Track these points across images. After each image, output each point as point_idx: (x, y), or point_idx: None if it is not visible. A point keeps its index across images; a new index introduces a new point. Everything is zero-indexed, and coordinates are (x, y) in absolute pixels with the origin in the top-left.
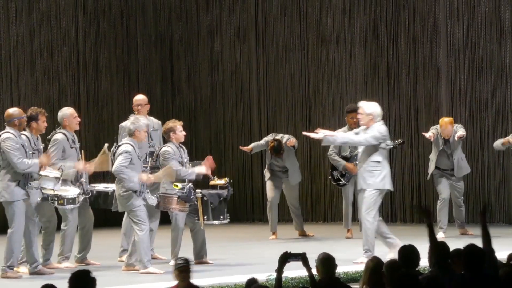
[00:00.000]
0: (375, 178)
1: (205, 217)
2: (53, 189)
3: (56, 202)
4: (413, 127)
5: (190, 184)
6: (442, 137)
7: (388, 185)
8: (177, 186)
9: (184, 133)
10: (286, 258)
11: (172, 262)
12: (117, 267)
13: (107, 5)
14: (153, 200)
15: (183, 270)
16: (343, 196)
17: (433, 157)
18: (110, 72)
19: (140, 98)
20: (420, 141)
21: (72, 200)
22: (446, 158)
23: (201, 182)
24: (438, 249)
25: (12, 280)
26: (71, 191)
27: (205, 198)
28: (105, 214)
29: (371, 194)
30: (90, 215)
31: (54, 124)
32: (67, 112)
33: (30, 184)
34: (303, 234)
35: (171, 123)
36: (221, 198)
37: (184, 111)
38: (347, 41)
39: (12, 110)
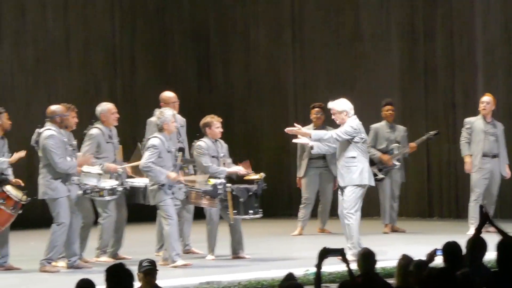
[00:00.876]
0: (352, 174)
1: (235, 211)
2: (95, 185)
3: (96, 194)
4: (450, 122)
5: (222, 180)
6: (483, 119)
7: (366, 180)
8: (210, 181)
9: (220, 129)
10: (325, 253)
11: (210, 257)
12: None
13: (143, 0)
14: (181, 195)
15: (148, 273)
16: (380, 191)
17: (473, 150)
18: (146, 67)
19: (172, 94)
20: (457, 136)
21: (112, 191)
22: (488, 141)
23: (237, 176)
24: (472, 245)
25: (50, 274)
26: (110, 182)
27: (234, 193)
28: (142, 209)
29: (350, 191)
30: (124, 211)
31: (89, 119)
32: (105, 107)
33: (72, 181)
34: (324, 231)
35: (208, 118)
36: (250, 193)
37: (220, 106)
38: (383, 36)
39: (55, 107)
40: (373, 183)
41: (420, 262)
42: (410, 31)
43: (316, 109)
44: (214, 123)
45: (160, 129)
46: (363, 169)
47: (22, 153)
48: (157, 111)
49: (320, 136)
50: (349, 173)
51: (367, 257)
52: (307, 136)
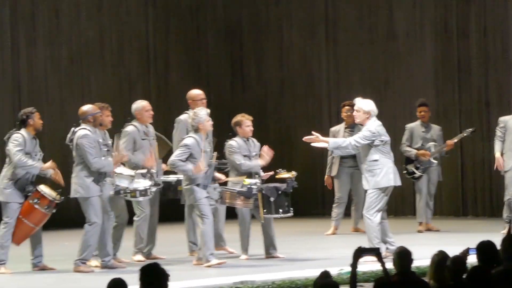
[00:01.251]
0: (375, 177)
1: (265, 210)
2: (127, 187)
3: (128, 195)
4: (484, 121)
5: (257, 180)
6: None
7: (392, 181)
8: (246, 182)
9: (251, 128)
10: (360, 253)
11: (243, 256)
12: (187, 261)
13: None
14: (215, 195)
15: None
16: (416, 189)
17: (507, 149)
18: (179, 66)
19: (200, 92)
20: (491, 135)
21: (144, 192)
22: None
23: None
24: (510, 242)
25: (84, 274)
26: (143, 183)
27: (263, 192)
28: (174, 208)
29: (372, 192)
30: (156, 210)
31: (123, 118)
32: (139, 105)
33: (104, 181)
34: (357, 230)
35: (239, 117)
36: (280, 192)
37: (253, 105)
38: (417, 35)
39: (86, 107)
40: (399, 183)
41: (457, 257)
42: (443, 29)
43: (347, 107)
44: (245, 121)
45: (196, 130)
46: (387, 171)
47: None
48: (190, 112)
49: (338, 144)
50: (374, 176)
51: (403, 256)
52: (326, 143)
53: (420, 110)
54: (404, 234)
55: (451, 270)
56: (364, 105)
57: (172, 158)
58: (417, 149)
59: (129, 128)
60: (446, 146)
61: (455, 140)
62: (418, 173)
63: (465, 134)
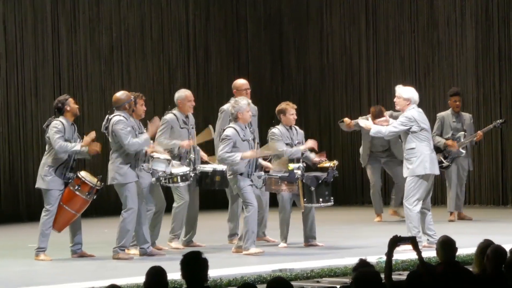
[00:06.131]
0: (412, 165)
1: (305, 199)
2: (164, 171)
3: (169, 180)
4: None
5: (300, 164)
6: None
7: (428, 170)
8: (290, 167)
9: (295, 116)
10: (396, 241)
11: (282, 244)
12: (227, 249)
13: None
14: (259, 182)
15: None
16: (446, 178)
17: None
18: (219, 55)
19: (245, 82)
20: None
21: (185, 177)
22: None
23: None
24: None
25: (123, 261)
26: (182, 169)
27: (304, 181)
28: (214, 196)
29: (409, 181)
30: (196, 198)
31: (163, 106)
32: (182, 94)
33: (142, 166)
34: (396, 214)
35: (283, 105)
36: (320, 181)
37: (293, 93)
38: (458, 23)
39: (120, 94)
40: (437, 172)
41: (498, 247)
42: (484, 17)
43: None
44: (289, 109)
45: (235, 118)
46: (424, 159)
47: (92, 135)
48: (232, 100)
49: (378, 130)
50: (411, 164)
51: (447, 245)
52: (369, 129)
53: (454, 99)
54: (439, 223)
55: (491, 259)
56: (403, 92)
57: (219, 153)
58: (447, 139)
59: (168, 116)
60: (476, 136)
61: (485, 131)
62: (446, 163)
63: (495, 125)
